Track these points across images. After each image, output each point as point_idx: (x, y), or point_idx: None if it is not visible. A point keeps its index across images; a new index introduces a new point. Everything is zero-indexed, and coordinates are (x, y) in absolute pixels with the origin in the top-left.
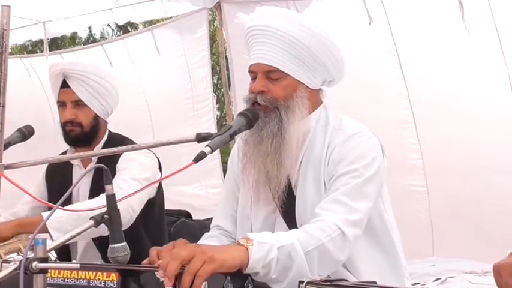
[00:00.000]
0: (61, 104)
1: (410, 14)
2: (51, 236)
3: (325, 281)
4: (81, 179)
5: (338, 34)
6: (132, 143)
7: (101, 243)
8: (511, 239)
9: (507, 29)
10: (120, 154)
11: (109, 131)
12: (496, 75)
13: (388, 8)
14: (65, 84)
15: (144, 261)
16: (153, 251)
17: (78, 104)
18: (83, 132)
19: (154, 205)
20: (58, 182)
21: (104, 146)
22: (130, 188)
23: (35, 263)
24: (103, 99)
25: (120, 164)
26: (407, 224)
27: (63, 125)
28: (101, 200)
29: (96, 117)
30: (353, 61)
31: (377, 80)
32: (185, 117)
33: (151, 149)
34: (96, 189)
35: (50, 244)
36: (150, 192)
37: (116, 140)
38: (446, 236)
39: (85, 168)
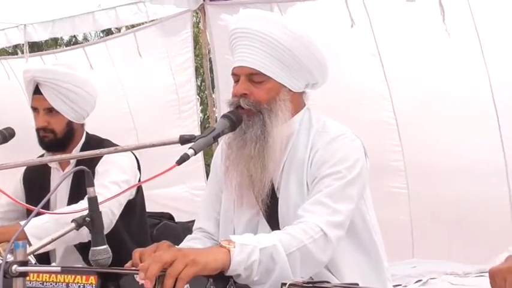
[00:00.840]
0: (34, 110)
1: (392, 17)
2: (29, 243)
3: (308, 282)
4: (61, 182)
5: (321, 36)
6: (111, 144)
7: (82, 246)
8: (491, 240)
9: (487, 32)
10: (101, 156)
11: (87, 133)
12: (477, 78)
13: (370, 10)
14: (37, 91)
15: (127, 264)
16: (136, 253)
17: (51, 111)
18: (56, 138)
19: (135, 206)
20: (36, 186)
21: (82, 149)
22: (109, 193)
23: (14, 267)
24: (76, 105)
25: (99, 167)
26: (387, 225)
27: (37, 130)
28: (80, 206)
29: (69, 123)
30: (336, 63)
31: (359, 82)
32: (170, 119)
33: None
34: (75, 193)
35: (30, 248)
36: (130, 194)
37: (95, 141)
38: (426, 238)
39: (63, 171)
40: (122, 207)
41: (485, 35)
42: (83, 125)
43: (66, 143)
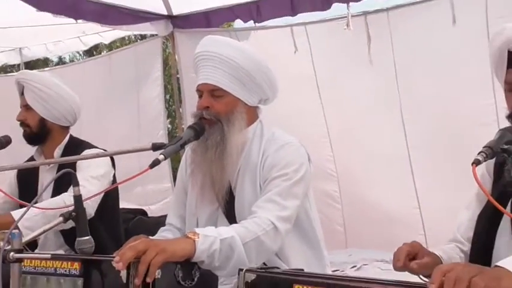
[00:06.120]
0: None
1: (328, 45)
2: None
3: (261, 268)
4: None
5: (270, 60)
6: (90, 145)
7: (68, 235)
8: (406, 232)
9: (402, 61)
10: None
11: (71, 135)
12: (391, 100)
13: (311, 39)
14: (23, 92)
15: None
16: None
17: (28, 107)
18: (32, 132)
19: (107, 197)
20: (27, 180)
21: (65, 148)
22: (92, 186)
23: (11, 254)
24: (47, 104)
25: (80, 163)
26: (325, 221)
27: (20, 125)
28: (61, 199)
29: (42, 120)
30: (281, 83)
31: (300, 101)
32: (144, 129)
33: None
34: (58, 186)
35: (25, 238)
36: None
37: (75, 143)
38: (356, 232)
39: (49, 165)
40: (99, 200)
41: (400, 64)
42: (63, 127)
43: (42, 137)
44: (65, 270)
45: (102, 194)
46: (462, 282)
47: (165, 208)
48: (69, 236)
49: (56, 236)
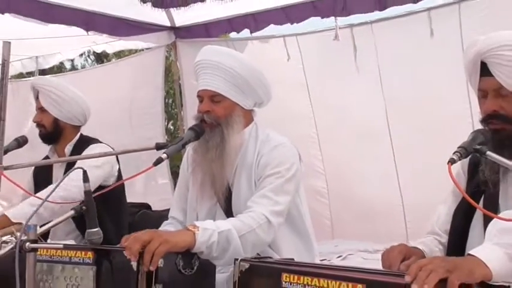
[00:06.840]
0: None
1: (317, 54)
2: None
3: (255, 258)
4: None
5: (265, 67)
6: (97, 141)
7: (81, 225)
8: (391, 225)
9: (386, 69)
10: (84, 150)
11: (81, 134)
12: (376, 105)
13: (302, 48)
14: (38, 96)
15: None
16: (124, 238)
17: (43, 109)
18: (46, 131)
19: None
20: (42, 176)
21: (75, 145)
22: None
23: (27, 244)
24: (60, 106)
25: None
26: (314, 215)
27: (36, 126)
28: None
29: (56, 121)
30: (274, 89)
31: (292, 105)
32: (142, 129)
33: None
34: None
35: (39, 229)
36: (105, 178)
37: (85, 140)
38: (342, 224)
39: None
40: (95, 185)
41: (384, 71)
42: (74, 127)
43: (55, 137)
44: (79, 259)
45: (98, 182)
46: (436, 273)
47: (164, 202)
48: (80, 223)
49: (64, 224)
